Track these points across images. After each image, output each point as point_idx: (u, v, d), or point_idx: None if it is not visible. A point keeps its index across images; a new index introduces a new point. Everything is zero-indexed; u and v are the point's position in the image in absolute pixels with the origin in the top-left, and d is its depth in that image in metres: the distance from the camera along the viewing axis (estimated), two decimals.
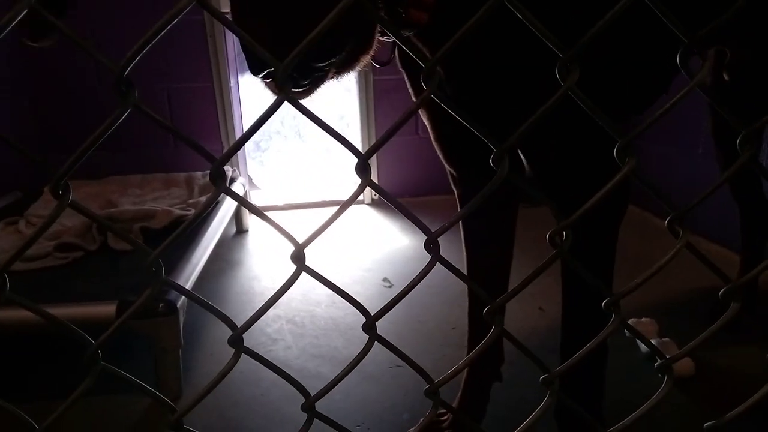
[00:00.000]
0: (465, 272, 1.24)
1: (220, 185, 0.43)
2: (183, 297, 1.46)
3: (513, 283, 1.25)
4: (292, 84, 0.56)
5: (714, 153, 1.73)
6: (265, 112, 0.43)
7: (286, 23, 0.55)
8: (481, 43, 0.83)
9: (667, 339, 1.56)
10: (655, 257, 2.19)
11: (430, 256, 0.50)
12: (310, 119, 0.45)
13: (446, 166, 1.18)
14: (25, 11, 0.36)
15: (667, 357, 0.52)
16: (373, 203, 3.18)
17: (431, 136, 1.14)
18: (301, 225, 2.93)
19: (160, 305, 1.41)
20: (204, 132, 3.00)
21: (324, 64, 0.61)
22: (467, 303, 1.27)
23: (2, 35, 0.36)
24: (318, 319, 1.90)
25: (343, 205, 0.47)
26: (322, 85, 0.67)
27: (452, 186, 1.23)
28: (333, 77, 0.68)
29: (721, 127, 1.65)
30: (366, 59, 0.68)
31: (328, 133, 0.47)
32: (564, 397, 0.51)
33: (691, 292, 1.97)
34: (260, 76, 0.61)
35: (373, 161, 3.12)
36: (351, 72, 0.69)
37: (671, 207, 0.51)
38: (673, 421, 1.32)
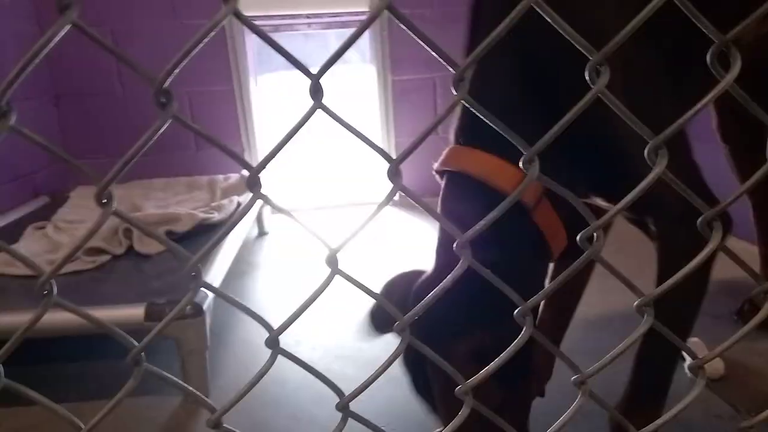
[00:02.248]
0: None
1: (257, 192, 0.45)
2: (209, 299, 1.49)
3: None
4: None
5: (723, 150, 1.70)
6: (299, 121, 0.44)
7: None
8: None
9: (695, 339, 1.55)
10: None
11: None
12: (342, 125, 0.46)
13: None
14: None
15: (699, 357, 0.52)
16: (400, 203, 3.18)
17: None
18: (325, 226, 2.94)
19: (187, 307, 1.43)
20: (224, 134, 3.03)
21: None
22: None
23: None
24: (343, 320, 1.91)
25: (375, 211, 0.48)
26: None
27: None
28: None
29: (726, 124, 1.63)
30: None
31: (359, 138, 0.48)
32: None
33: (712, 288, 1.94)
34: None
35: None
36: None
37: (702, 208, 0.51)
38: (703, 422, 1.30)
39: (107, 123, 2.95)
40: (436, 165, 1.08)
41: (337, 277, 0.50)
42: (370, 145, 0.48)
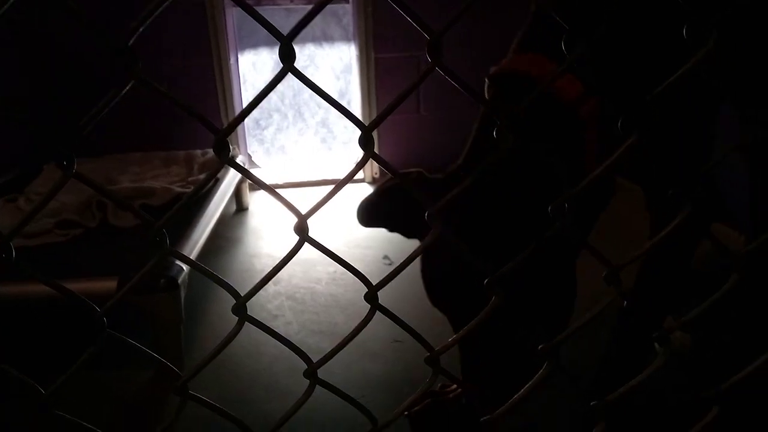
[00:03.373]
0: None
1: (224, 156, 0.44)
2: (184, 273, 1.47)
3: None
4: None
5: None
6: (269, 84, 0.43)
7: None
8: None
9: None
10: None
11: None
12: (314, 91, 0.45)
13: None
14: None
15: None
16: (374, 182, 3.18)
17: None
18: (301, 203, 2.92)
19: (161, 280, 1.42)
20: (204, 111, 2.97)
21: None
22: None
23: None
24: (318, 296, 1.92)
25: (346, 177, 0.48)
26: None
27: None
28: None
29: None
30: None
31: (331, 104, 0.47)
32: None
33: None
34: None
35: (375, 139, 3.10)
36: None
37: (670, 185, 0.51)
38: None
39: (82, 93, 2.88)
40: (492, 69, 1.07)
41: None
42: (342, 112, 0.48)
